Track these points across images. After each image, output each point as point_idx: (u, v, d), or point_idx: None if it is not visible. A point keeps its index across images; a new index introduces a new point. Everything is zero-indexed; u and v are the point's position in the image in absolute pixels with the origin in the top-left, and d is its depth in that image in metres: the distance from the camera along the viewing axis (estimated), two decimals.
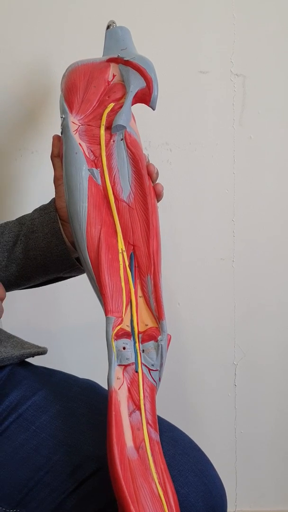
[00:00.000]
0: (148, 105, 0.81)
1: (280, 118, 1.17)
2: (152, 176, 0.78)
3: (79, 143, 0.75)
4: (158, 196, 0.78)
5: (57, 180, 0.81)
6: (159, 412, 0.73)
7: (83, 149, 0.75)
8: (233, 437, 1.27)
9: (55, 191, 0.81)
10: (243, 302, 1.22)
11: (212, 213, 1.19)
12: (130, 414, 0.63)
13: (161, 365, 0.66)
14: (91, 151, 0.76)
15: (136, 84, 0.79)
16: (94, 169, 0.74)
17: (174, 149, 1.17)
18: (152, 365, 0.66)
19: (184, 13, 1.13)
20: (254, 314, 1.23)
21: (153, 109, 0.81)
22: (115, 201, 0.73)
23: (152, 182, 0.78)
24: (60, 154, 0.79)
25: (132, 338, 0.67)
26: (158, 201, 0.78)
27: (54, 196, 0.83)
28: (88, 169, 0.74)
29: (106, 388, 0.75)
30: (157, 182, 0.79)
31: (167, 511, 0.59)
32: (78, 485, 0.68)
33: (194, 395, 1.25)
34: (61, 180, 0.78)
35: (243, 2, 1.14)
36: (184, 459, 0.70)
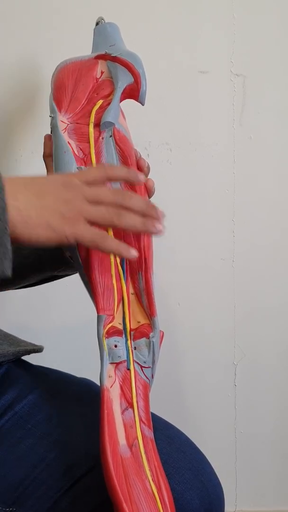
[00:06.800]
0: (137, 101, 0.81)
1: (280, 118, 1.17)
2: (143, 171, 0.77)
3: (68, 142, 0.75)
4: (149, 192, 0.77)
5: None
6: (159, 412, 0.74)
7: (72, 147, 0.75)
8: (233, 437, 1.27)
9: None
10: (243, 302, 1.22)
11: (212, 213, 1.19)
12: (122, 412, 0.63)
13: (154, 362, 0.66)
14: (80, 149, 0.75)
15: (124, 80, 0.79)
16: (83, 167, 0.74)
17: (174, 149, 1.17)
18: (144, 362, 0.66)
19: (184, 13, 1.13)
20: (254, 314, 1.23)
21: (142, 105, 0.80)
22: None
23: None
24: (51, 153, 0.79)
25: (124, 335, 0.67)
26: (149, 196, 0.77)
27: None
28: (77, 168, 0.73)
29: None
30: (149, 178, 0.78)
31: (161, 508, 0.58)
32: (73, 483, 0.68)
33: (194, 395, 1.25)
34: None
35: (243, 2, 1.14)
36: (180, 457, 0.70)
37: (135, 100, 0.80)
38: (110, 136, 0.75)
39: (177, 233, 1.18)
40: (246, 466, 1.28)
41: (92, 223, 0.60)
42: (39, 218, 0.58)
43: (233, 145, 1.18)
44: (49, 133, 0.81)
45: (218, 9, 1.14)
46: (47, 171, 0.81)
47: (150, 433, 0.63)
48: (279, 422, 1.26)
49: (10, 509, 0.69)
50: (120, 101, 0.79)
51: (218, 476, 0.74)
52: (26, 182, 0.60)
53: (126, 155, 0.75)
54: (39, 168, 1.13)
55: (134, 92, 0.79)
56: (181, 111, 1.16)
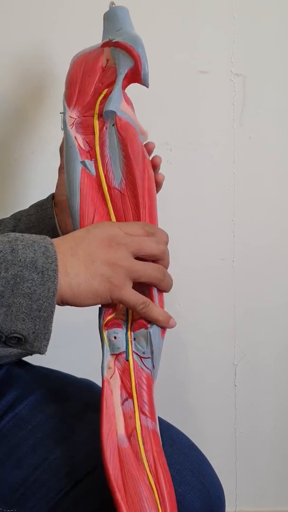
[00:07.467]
0: (141, 84, 0.78)
1: (280, 118, 1.17)
2: (157, 167, 0.78)
3: (75, 137, 0.75)
4: (158, 186, 0.78)
5: (61, 168, 0.81)
6: (159, 412, 0.73)
7: (78, 141, 0.75)
8: (233, 437, 1.27)
9: (58, 179, 0.82)
10: (243, 302, 1.22)
11: (212, 213, 1.19)
12: (122, 403, 0.63)
13: (152, 352, 0.65)
14: (86, 142, 0.75)
15: (124, 64, 0.76)
16: (87, 160, 0.73)
17: (174, 149, 1.17)
18: (143, 353, 0.65)
19: (184, 13, 1.13)
20: (254, 314, 1.23)
21: (147, 87, 0.77)
22: (108, 190, 0.72)
23: (155, 171, 0.78)
24: None
25: (124, 327, 0.67)
26: (157, 191, 0.78)
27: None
28: (81, 162, 0.73)
29: None
30: (160, 172, 0.79)
31: (157, 498, 0.58)
32: (74, 484, 0.68)
33: (194, 395, 1.25)
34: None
35: (243, 2, 1.14)
36: (182, 458, 0.70)
37: (139, 83, 0.78)
38: (113, 125, 0.74)
39: (177, 233, 1.17)
40: (246, 466, 1.28)
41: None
42: (87, 289, 0.60)
43: (233, 145, 1.17)
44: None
45: (218, 9, 1.14)
46: (60, 159, 0.82)
47: (152, 425, 0.63)
48: (279, 422, 1.26)
49: (11, 510, 0.69)
50: (125, 87, 0.77)
51: (218, 477, 0.74)
52: (72, 247, 0.61)
53: (125, 142, 0.73)
54: (39, 168, 1.14)
55: (136, 76, 0.77)
56: (181, 111, 1.16)
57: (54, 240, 0.60)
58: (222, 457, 1.26)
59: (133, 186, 0.72)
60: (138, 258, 0.65)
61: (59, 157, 0.86)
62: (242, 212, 1.19)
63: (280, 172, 1.19)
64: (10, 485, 0.69)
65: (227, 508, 0.75)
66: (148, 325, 0.66)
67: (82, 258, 0.60)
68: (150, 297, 0.68)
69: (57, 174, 0.86)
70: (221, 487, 0.73)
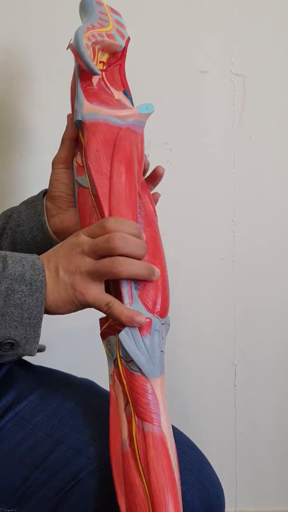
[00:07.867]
0: (92, 75, 0.74)
1: (280, 118, 1.17)
2: (145, 168, 0.80)
3: (76, 157, 0.76)
4: (156, 179, 0.82)
5: (56, 164, 0.79)
6: None
7: (77, 161, 0.75)
8: (233, 437, 1.27)
9: (52, 173, 0.80)
10: (243, 302, 1.22)
11: (212, 213, 1.19)
12: (125, 408, 0.64)
13: (128, 354, 0.63)
14: (82, 158, 0.75)
15: (76, 66, 0.74)
16: (79, 177, 0.73)
17: (174, 149, 1.17)
18: (126, 356, 0.64)
19: (184, 13, 1.14)
20: (254, 314, 1.23)
21: (94, 74, 0.73)
22: (94, 199, 0.71)
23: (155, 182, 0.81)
24: (70, 137, 0.78)
25: (116, 333, 0.65)
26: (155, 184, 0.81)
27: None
28: (75, 180, 0.74)
29: (104, 388, 0.75)
30: (160, 165, 0.82)
31: (149, 500, 0.58)
32: (74, 484, 0.68)
33: (194, 395, 1.25)
34: (62, 164, 0.78)
35: (243, 2, 1.14)
36: (182, 458, 0.69)
37: (90, 75, 0.75)
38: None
39: (177, 233, 1.18)
40: (246, 466, 1.28)
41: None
42: (56, 298, 0.64)
43: (233, 145, 1.18)
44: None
45: (218, 9, 1.14)
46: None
47: (152, 427, 0.62)
48: (279, 422, 1.26)
49: (12, 510, 0.69)
50: (85, 86, 0.75)
51: (218, 476, 0.74)
52: (46, 261, 0.65)
53: (84, 143, 0.71)
54: (39, 167, 1.14)
55: (83, 71, 0.73)
56: (181, 111, 1.16)
57: (41, 256, 0.66)
58: (222, 457, 1.27)
59: (93, 185, 0.70)
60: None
61: None
62: (242, 212, 1.19)
63: (280, 172, 1.19)
64: (10, 485, 0.69)
65: (227, 508, 0.75)
66: (122, 327, 0.64)
67: (52, 271, 0.64)
68: (119, 294, 0.65)
69: None
70: (221, 486, 0.73)
